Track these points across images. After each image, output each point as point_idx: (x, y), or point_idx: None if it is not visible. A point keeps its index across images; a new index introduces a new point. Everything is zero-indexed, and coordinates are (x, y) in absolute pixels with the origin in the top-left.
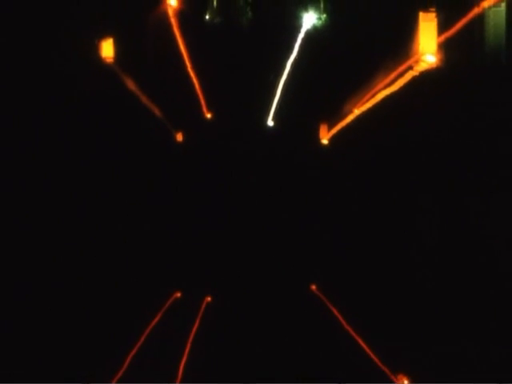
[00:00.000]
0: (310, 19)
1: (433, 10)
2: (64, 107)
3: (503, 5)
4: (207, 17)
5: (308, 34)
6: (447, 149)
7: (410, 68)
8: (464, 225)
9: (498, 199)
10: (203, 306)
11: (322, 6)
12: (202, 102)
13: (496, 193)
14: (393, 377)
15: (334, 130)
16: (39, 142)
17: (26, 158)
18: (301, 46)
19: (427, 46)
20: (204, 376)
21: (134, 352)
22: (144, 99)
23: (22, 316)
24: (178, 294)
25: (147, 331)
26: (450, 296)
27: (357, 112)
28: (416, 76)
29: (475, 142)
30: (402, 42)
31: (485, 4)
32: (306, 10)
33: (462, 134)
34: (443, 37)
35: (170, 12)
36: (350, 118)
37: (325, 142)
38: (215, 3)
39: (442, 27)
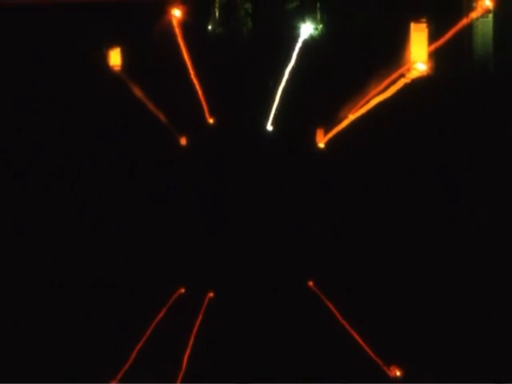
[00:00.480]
0: (307, 29)
1: (424, 20)
2: (74, 112)
3: (490, 16)
4: (210, 27)
5: (305, 43)
6: (437, 152)
7: (402, 76)
8: (461, 224)
9: (488, 201)
10: (206, 301)
11: (318, 17)
12: (205, 107)
13: (486, 195)
14: (385, 368)
15: (330, 135)
16: (48, 145)
17: (32, 158)
18: (298, 55)
19: (418, 54)
20: (207, 369)
21: (140, 345)
22: (150, 105)
23: (23, 315)
24: (182, 290)
25: (153, 325)
26: (445, 290)
27: (352, 117)
28: (408, 83)
29: (464, 146)
30: (395, 51)
31: (473, 15)
32: (304, 20)
33: (451, 137)
34: (434, 46)
35: (175, 22)
36: (345, 123)
37: (321, 145)
38: (217, 14)
39: (432, 37)
